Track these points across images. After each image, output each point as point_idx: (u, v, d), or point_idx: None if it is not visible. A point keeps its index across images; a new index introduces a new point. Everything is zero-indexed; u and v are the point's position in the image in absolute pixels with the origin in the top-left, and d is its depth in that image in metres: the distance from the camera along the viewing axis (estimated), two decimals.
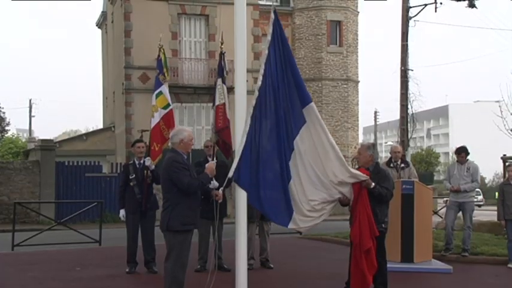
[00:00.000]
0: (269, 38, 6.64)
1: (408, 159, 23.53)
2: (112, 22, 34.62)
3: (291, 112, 6.72)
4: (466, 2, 16.44)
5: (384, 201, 7.82)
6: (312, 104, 6.84)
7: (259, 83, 6.52)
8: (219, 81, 10.14)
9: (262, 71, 6.54)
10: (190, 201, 6.95)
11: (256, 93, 6.49)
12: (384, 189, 7.71)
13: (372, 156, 8.01)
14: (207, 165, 7.19)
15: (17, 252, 13.07)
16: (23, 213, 19.15)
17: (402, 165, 11.30)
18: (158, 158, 9.88)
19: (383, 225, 7.86)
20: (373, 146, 8.30)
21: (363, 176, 7.20)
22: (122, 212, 10.05)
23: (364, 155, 7.96)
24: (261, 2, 31.56)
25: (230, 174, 6.39)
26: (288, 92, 6.70)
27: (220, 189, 7.54)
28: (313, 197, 6.81)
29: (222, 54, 10.32)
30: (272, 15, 6.70)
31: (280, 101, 6.64)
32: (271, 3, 32.56)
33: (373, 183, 7.40)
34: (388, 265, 8.20)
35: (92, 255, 12.54)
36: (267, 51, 6.60)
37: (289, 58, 6.80)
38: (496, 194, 44.77)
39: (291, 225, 6.78)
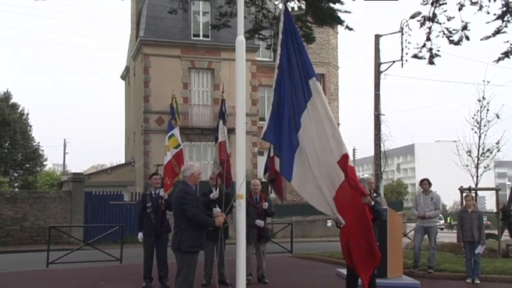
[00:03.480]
0: (281, 25, 6.62)
1: (381, 189, 23.48)
2: (134, 75, 34.87)
3: (301, 85, 6.52)
4: (427, 60, 16.61)
5: (378, 218, 7.63)
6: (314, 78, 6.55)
7: (277, 61, 6.52)
8: (221, 122, 10.26)
9: (279, 51, 6.54)
10: (197, 227, 6.88)
11: (276, 70, 6.51)
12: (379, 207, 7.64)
13: (364, 188, 7.96)
14: (216, 217, 6.98)
15: (51, 269, 12.89)
16: (57, 236, 18.92)
17: (374, 194, 11.28)
18: (170, 190, 9.86)
19: (377, 243, 7.79)
20: (363, 180, 8.29)
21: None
22: (140, 235, 9.96)
23: None
24: (257, 59, 31.94)
25: (261, 136, 6.47)
26: (299, 68, 6.55)
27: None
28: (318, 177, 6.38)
29: (223, 100, 10.44)
30: (283, 7, 6.77)
31: (293, 77, 6.52)
32: (266, 59, 32.97)
33: (373, 201, 7.19)
34: None
35: (114, 272, 12.40)
36: (281, 36, 6.58)
37: (298, 40, 6.68)
38: (447, 218, 44.68)
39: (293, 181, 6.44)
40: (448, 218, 54.18)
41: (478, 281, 10.87)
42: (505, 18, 14.68)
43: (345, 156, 6.25)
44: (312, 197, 6.46)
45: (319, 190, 6.35)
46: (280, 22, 6.78)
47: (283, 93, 6.52)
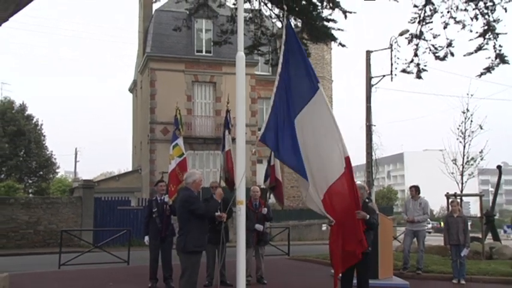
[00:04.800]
0: (284, 37, 6.61)
1: (373, 195, 23.48)
2: (141, 88, 34.90)
3: (298, 91, 6.46)
4: (414, 74, 16.65)
5: (372, 229, 7.58)
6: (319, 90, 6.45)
7: (279, 70, 6.52)
8: (226, 132, 10.28)
9: (281, 60, 6.53)
10: (200, 229, 6.95)
11: (277, 77, 6.50)
12: (373, 219, 7.49)
13: (362, 195, 7.88)
14: (216, 191, 7.26)
15: (62, 270, 12.86)
16: (68, 239, 18.83)
17: (367, 200, 11.25)
18: (174, 196, 9.86)
19: (369, 248, 7.71)
20: (363, 187, 8.23)
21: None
22: (146, 238, 9.94)
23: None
24: (256, 73, 31.99)
25: (259, 138, 6.36)
26: (300, 77, 6.50)
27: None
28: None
29: (227, 111, 10.45)
30: (285, 21, 6.76)
31: (292, 84, 6.50)
32: (264, 74, 33.00)
33: (368, 215, 7.16)
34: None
35: (121, 273, 12.36)
36: (283, 47, 6.56)
37: (301, 51, 6.65)
38: (440, 222, 44.34)
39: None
40: (441, 222, 54.17)
41: (463, 282, 10.85)
42: (486, 36, 14.75)
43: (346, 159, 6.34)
44: (306, 197, 6.47)
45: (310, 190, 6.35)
46: (282, 35, 6.79)
47: (282, 98, 6.52)
